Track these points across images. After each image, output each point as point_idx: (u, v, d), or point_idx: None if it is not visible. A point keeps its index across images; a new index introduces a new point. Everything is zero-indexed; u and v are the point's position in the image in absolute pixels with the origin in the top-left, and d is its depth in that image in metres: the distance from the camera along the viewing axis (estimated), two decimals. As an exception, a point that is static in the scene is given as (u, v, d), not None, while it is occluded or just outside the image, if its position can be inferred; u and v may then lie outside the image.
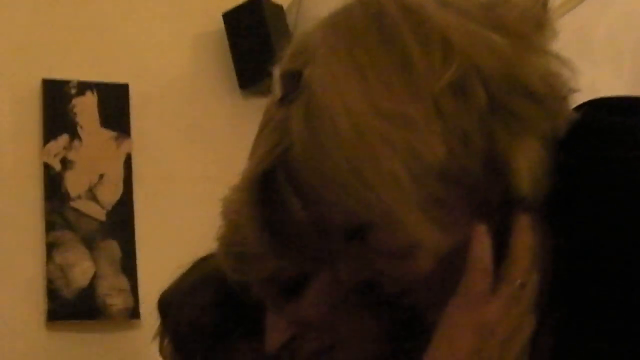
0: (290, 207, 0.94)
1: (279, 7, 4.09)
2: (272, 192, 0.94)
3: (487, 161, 0.89)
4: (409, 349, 0.98)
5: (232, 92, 4.10)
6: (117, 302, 3.67)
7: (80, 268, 3.65)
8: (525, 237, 0.91)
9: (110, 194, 3.77)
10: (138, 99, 3.90)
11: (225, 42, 4.07)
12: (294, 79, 0.92)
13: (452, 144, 0.87)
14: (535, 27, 0.92)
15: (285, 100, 0.93)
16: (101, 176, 3.77)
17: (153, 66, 3.99)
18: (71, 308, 3.61)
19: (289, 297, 1.15)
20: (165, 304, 1.34)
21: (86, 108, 3.81)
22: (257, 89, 4.08)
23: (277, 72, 0.96)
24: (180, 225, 3.86)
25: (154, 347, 3.85)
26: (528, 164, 0.88)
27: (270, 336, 1.16)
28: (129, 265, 3.72)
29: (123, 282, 3.69)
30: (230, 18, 4.05)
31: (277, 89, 0.95)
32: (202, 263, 1.35)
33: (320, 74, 0.90)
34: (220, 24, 4.07)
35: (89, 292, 3.64)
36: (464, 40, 0.89)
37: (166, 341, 1.33)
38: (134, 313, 3.68)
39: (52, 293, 3.59)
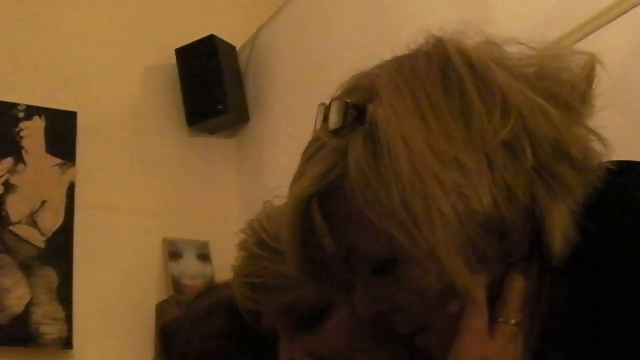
0: (324, 234, 1.00)
1: (232, 47, 4.13)
2: (313, 216, 1.00)
3: (526, 218, 0.96)
4: None
5: (180, 127, 4.13)
6: (51, 330, 3.64)
7: (16, 294, 3.62)
8: (517, 282, 0.98)
9: (50, 221, 3.75)
10: (85, 127, 3.89)
11: (176, 77, 4.10)
12: (356, 112, 0.98)
13: (497, 196, 0.94)
14: (581, 101, 1.00)
15: (344, 129, 0.98)
16: (43, 202, 3.75)
17: (103, 95, 3.99)
18: (4, 334, 3.57)
19: (305, 329, 1.18)
20: (171, 332, 1.33)
21: (33, 133, 3.79)
22: (204, 126, 4.12)
23: (333, 103, 1.00)
24: (119, 255, 3.86)
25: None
26: (562, 225, 0.95)
27: None
28: (64, 294, 3.69)
29: (58, 310, 3.67)
30: (183, 54, 4.08)
31: (331, 118, 1.00)
32: (210, 292, 1.35)
33: (384, 111, 0.96)
34: (172, 58, 4.10)
35: (23, 318, 3.60)
36: (521, 102, 0.97)
37: None
38: (67, 342, 3.66)
39: (-15, 317, 3.56)
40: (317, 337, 1.17)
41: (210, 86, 4.01)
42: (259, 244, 1.20)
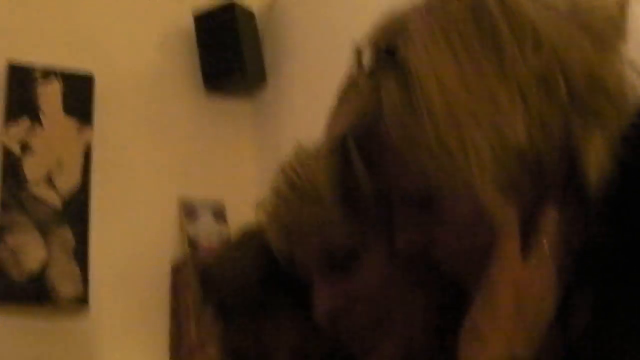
0: (361, 173, 1.00)
1: (251, 14, 4.12)
2: (349, 155, 1.00)
3: (561, 150, 0.96)
4: (454, 322, 1.02)
5: (197, 90, 4.12)
6: (67, 289, 3.66)
7: (32, 253, 3.64)
8: (551, 215, 0.98)
9: (67, 182, 3.76)
10: (103, 89, 3.89)
11: (194, 42, 4.09)
12: (388, 53, 0.99)
13: (532, 128, 0.94)
14: (615, 32, 1.00)
15: (377, 70, 0.99)
16: (60, 163, 3.76)
17: (120, 58, 3.99)
18: (21, 292, 3.60)
19: (339, 272, 1.18)
20: (209, 274, 1.34)
21: (50, 94, 3.80)
22: (221, 89, 4.12)
23: (364, 44, 1.01)
24: (136, 215, 3.87)
25: (102, 334, 3.86)
26: (598, 157, 0.96)
27: (318, 309, 1.18)
28: (81, 253, 3.71)
29: (74, 269, 3.69)
30: (202, 20, 4.07)
31: (364, 59, 1.01)
32: (245, 237, 1.35)
33: (417, 51, 0.97)
34: (190, 23, 4.09)
35: (39, 276, 3.63)
36: (553, 34, 0.97)
37: (207, 310, 1.32)
38: (83, 301, 3.69)
39: (1, 275, 3.58)
40: (351, 280, 1.17)
41: (228, 51, 4.00)
42: (291, 187, 1.20)
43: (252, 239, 1.31)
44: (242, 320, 1.28)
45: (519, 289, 0.96)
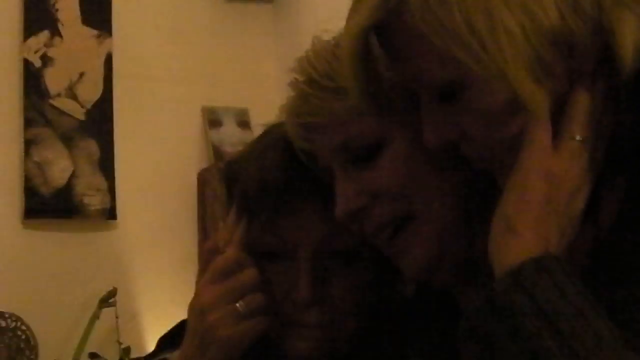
0: (385, 65, 0.99)
1: None
2: (372, 46, 0.98)
3: (594, 30, 0.93)
4: (484, 210, 1.00)
5: (216, -5, 4.08)
6: (94, 201, 3.68)
7: (58, 166, 3.65)
8: (583, 98, 0.95)
9: (89, 93, 3.75)
10: (120, -2, 3.86)
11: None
12: None
13: (564, 9, 0.91)
14: None
15: None
16: (81, 74, 3.75)
17: (137, -35, 3.95)
18: (48, 206, 3.62)
19: (360, 166, 1.16)
20: (233, 171, 1.33)
21: (67, 5, 3.76)
22: (240, -6, 4.07)
23: None
24: (159, 125, 3.86)
25: (130, 246, 3.89)
26: (633, 37, 0.92)
27: (339, 205, 1.16)
28: (106, 165, 3.72)
29: (101, 181, 3.70)
30: None
31: None
32: (268, 132, 1.33)
33: None
34: None
35: (67, 190, 3.65)
36: None
37: (231, 209, 1.31)
38: (111, 213, 3.70)
39: (29, 190, 3.60)
40: (372, 173, 1.14)
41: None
42: (309, 82, 1.16)
43: (274, 137, 1.29)
44: (265, 216, 1.27)
45: (550, 178, 0.93)
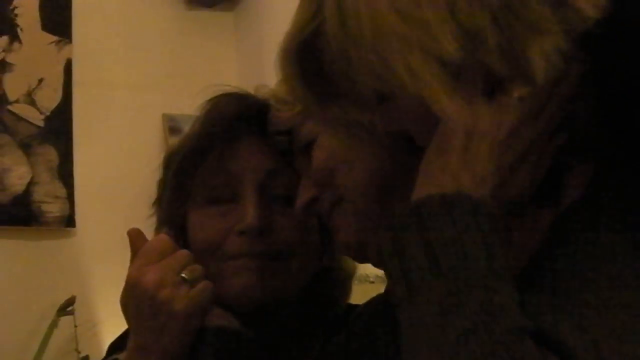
0: (319, 76, 1.02)
1: None
2: (311, 55, 1.01)
3: (502, 53, 0.94)
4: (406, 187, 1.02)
5: (177, 2, 4.06)
6: (53, 209, 3.65)
7: (17, 173, 3.62)
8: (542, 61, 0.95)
9: (49, 99, 3.73)
10: (81, 3, 3.84)
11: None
12: None
13: (464, 42, 0.93)
14: None
15: None
16: (40, 80, 3.72)
17: (97, -30, 3.93)
18: (6, 214, 3.59)
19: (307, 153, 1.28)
20: (172, 150, 1.50)
21: (27, 10, 3.74)
22: (202, 1, 4.06)
23: None
24: (120, 133, 3.84)
25: (89, 254, 3.84)
26: (544, 54, 0.93)
27: (298, 198, 1.30)
28: (65, 172, 3.70)
29: (59, 188, 3.67)
30: None
31: None
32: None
33: None
34: None
35: (25, 198, 3.62)
36: None
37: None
38: (69, 221, 3.67)
39: (-13, 197, 3.57)
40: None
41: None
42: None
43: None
44: (217, 151, 1.40)
45: (472, 133, 0.95)
